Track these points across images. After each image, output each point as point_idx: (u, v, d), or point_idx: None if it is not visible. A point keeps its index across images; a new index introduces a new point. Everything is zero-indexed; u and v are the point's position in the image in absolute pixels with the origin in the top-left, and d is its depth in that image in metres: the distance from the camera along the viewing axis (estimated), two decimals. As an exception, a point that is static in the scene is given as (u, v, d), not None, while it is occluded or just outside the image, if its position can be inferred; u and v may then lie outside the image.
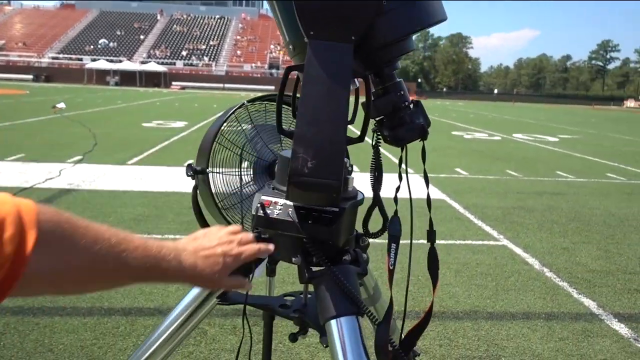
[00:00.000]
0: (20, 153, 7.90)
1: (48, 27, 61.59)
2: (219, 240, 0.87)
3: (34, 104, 18.82)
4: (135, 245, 0.71)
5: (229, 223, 1.43)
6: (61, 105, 16.65)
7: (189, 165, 1.40)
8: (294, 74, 0.94)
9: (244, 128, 1.45)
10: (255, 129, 1.46)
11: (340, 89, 0.85)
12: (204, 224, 1.46)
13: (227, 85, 52.56)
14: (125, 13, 67.47)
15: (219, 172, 1.42)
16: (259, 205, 0.99)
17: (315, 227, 0.96)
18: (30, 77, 49.99)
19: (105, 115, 15.93)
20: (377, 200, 1.11)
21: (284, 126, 0.98)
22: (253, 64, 57.22)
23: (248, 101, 1.46)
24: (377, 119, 1.09)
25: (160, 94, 35.06)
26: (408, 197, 1.05)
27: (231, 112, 1.45)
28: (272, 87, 52.07)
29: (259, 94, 1.50)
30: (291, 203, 0.97)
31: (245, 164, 1.44)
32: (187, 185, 6.26)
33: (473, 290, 3.44)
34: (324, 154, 0.85)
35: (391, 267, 1.04)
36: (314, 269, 1.06)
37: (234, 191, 1.44)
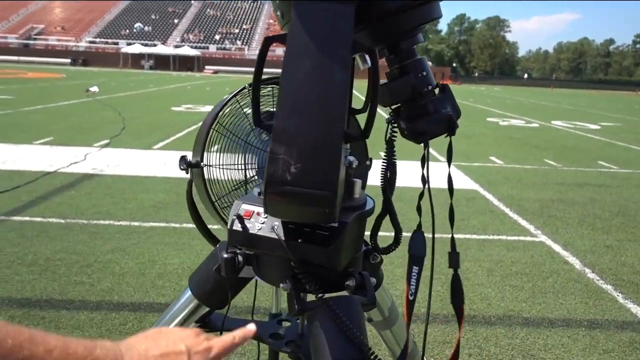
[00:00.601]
0: (49, 136, 7.91)
1: (86, 12, 62.56)
2: (180, 337, 0.64)
3: (68, 88, 19.08)
4: (48, 348, 0.51)
5: (226, 224, 1.23)
6: (94, 88, 16.80)
7: (183, 158, 1.20)
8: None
9: (247, 114, 1.24)
10: (262, 115, 1.25)
11: (336, 64, 0.63)
12: (200, 222, 1.26)
13: (259, 70, 52.41)
14: (159, -3, 67.93)
15: (217, 166, 1.22)
16: (235, 217, 0.78)
17: (307, 247, 0.74)
18: (68, 61, 50.98)
19: (137, 99, 15.99)
20: (388, 208, 0.89)
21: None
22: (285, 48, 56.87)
23: (250, 84, 1.24)
24: (392, 107, 0.86)
25: (193, 78, 35.22)
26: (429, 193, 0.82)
27: (231, 96, 1.25)
28: (304, 72, 51.66)
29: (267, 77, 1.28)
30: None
31: (249, 157, 1.24)
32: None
33: (507, 291, 3.17)
34: (312, 155, 0.63)
35: (411, 298, 0.82)
36: (309, 297, 0.85)
37: (235, 188, 1.23)
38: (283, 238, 0.74)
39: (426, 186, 0.85)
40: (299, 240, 0.74)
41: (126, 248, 3.57)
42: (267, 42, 0.68)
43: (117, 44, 55.71)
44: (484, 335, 2.63)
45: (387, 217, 0.93)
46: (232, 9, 65.97)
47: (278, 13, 0.78)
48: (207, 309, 0.94)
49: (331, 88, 0.63)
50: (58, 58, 51.27)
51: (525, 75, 74.31)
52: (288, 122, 0.63)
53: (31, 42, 54.86)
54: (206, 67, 52.52)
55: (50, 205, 4.48)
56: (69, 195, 4.81)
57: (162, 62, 52.62)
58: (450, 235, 0.85)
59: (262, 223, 0.77)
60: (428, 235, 0.86)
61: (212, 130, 1.24)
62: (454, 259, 0.85)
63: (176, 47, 55.22)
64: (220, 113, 1.25)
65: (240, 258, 0.80)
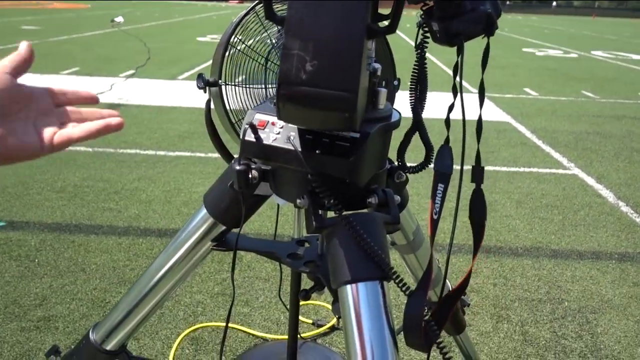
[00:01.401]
0: (75, 67, 7.89)
1: (108, -61, 60.87)
2: None
3: (94, 18, 18.88)
4: None
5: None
6: (119, 19, 16.58)
7: (200, 76, 1.13)
8: None
9: (267, 28, 1.16)
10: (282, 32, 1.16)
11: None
12: (221, 145, 1.21)
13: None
14: None
15: (236, 84, 1.16)
16: (247, 126, 0.72)
17: (326, 159, 0.68)
18: (93, -9, 50.24)
19: (162, 29, 15.75)
20: (418, 123, 0.81)
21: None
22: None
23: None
24: (423, 7, 0.77)
25: (219, 8, 34.42)
26: (461, 118, 0.74)
27: (249, 9, 1.16)
28: None
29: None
30: (293, 125, 0.69)
31: (270, 76, 1.16)
32: (236, 101, 6.05)
33: (536, 223, 3.10)
34: (330, 50, 0.55)
35: (435, 217, 0.76)
36: (329, 214, 0.80)
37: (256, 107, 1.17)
38: (299, 149, 0.68)
39: (457, 97, 0.77)
40: (317, 152, 0.68)
41: (152, 176, 3.59)
42: None
43: (141, -28, 54.45)
44: (510, 266, 2.59)
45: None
46: None
47: None
48: (223, 227, 0.90)
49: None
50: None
51: (554, 4, 70.03)
52: (303, 13, 0.55)
53: (55, -29, 54.05)
54: (232, -4, 51.14)
55: (78, 134, 4.50)
56: (96, 125, 4.82)
57: (187, -8, 51.41)
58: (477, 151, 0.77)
59: (277, 133, 0.71)
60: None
61: (229, 45, 1.16)
62: (477, 173, 0.78)
63: (201, -25, 53.68)
64: (239, 27, 1.17)
65: (255, 173, 0.75)
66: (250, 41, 1.16)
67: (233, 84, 1.17)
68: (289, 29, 0.56)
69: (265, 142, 0.71)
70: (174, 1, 45.81)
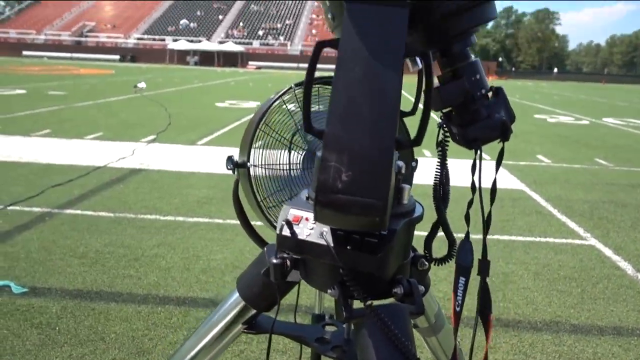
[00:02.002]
0: (99, 132, 8.18)
1: (134, 9, 64.28)
2: None
3: (118, 84, 19.67)
4: None
5: (271, 224, 1.24)
6: (142, 85, 17.26)
7: (229, 158, 1.21)
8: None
9: (292, 114, 1.25)
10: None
11: (388, 71, 0.61)
12: (246, 223, 1.27)
13: (301, 65, 52.64)
14: (205, -6, 69.07)
15: (262, 166, 1.23)
16: (284, 222, 0.78)
17: (356, 255, 0.73)
18: (117, 57, 52.55)
19: (182, 94, 16.34)
20: (442, 221, 0.87)
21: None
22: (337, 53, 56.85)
23: (296, 84, 1.25)
24: (444, 111, 0.84)
25: (236, 74, 35.67)
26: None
27: (277, 97, 1.25)
28: (346, 67, 51.59)
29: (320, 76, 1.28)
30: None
31: (294, 157, 1.24)
32: (253, 167, 6.19)
33: (554, 296, 3.07)
34: (363, 162, 0.62)
35: (457, 309, 0.80)
36: (356, 303, 0.84)
37: (280, 188, 1.24)
38: (332, 245, 0.74)
39: (476, 194, 0.83)
40: (348, 247, 0.73)
41: (172, 243, 3.65)
42: (319, 47, 0.67)
43: (163, 40, 57.02)
44: (530, 342, 2.56)
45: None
46: (275, 5, 66.39)
47: (329, 15, 0.78)
48: (254, 311, 0.94)
49: (383, 95, 0.62)
50: (108, 54, 52.94)
51: (555, 70, 71.33)
52: (340, 129, 0.63)
53: (83, 39, 56.83)
54: (249, 62, 53.11)
55: (100, 199, 4.63)
56: (118, 190, 4.96)
57: (206, 58, 53.54)
58: (484, 237, 0.82)
59: (311, 229, 0.77)
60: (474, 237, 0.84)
61: (258, 130, 1.25)
62: (484, 266, 0.82)
63: (220, 43, 56.06)
64: (267, 113, 1.26)
65: (288, 263, 0.80)
66: (277, 124, 1.25)
67: (260, 165, 1.25)
68: (327, 143, 0.63)
69: (299, 237, 0.77)
70: (194, 67, 47.56)
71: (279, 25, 61.00)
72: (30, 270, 3.09)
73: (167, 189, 5.07)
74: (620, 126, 13.11)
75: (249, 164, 1.23)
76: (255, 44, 57.34)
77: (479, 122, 0.78)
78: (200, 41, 56.01)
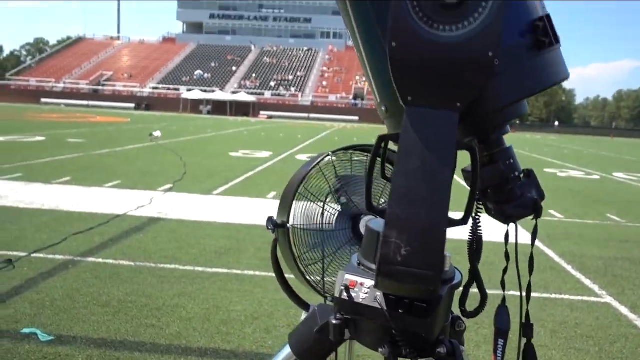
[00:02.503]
0: (117, 180, 8.37)
1: (151, 60, 66.37)
2: None
3: (134, 132, 20.13)
4: None
5: (308, 282, 1.34)
6: (157, 133, 17.66)
7: (270, 219, 1.33)
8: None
9: (327, 178, 1.36)
10: (340, 180, 1.37)
11: (442, 164, 0.73)
12: (283, 281, 1.36)
13: (311, 115, 53.62)
14: (220, 46, 71.30)
15: (300, 227, 1.34)
16: (342, 287, 0.88)
17: (406, 317, 0.83)
18: (132, 105, 53.88)
19: (196, 143, 16.68)
20: (475, 276, 0.96)
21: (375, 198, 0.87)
22: (338, 95, 58.05)
23: (333, 152, 1.37)
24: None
25: (248, 123, 36.37)
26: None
27: (314, 164, 1.37)
28: (357, 118, 52.49)
29: (345, 145, 1.40)
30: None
31: (327, 217, 1.35)
32: (268, 218, 6.29)
33: (572, 355, 3.09)
34: (420, 240, 0.73)
35: (497, 369, 0.89)
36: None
37: (315, 246, 1.34)
38: (385, 308, 0.83)
39: (509, 262, 0.93)
40: (400, 311, 0.83)
41: (191, 293, 3.72)
42: (381, 141, 0.79)
43: (178, 89, 58.52)
44: (550, 400, 2.57)
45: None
46: (287, 57, 68.31)
47: (382, 108, 0.90)
48: (304, 366, 1.03)
49: (437, 184, 0.73)
50: (124, 103, 54.31)
51: (557, 123, 71.97)
52: (400, 211, 0.73)
53: (100, 87, 58.48)
54: (261, 112, 54.15)
55: (121, 247, 4.73)
56: (138, 239, 5.07)
57: (219, 107, 54.73)
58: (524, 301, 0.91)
59: (366, 293, 0.87)
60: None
61: (297, 193, 1.36)
62: (528, 327, 0.91)
63: (233, 93, 57.42)
64: (305, 178, 1.38)
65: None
66: (314, 189, 1.37)
67: (297, 225, 1.35)
68: (388, 222, 0.74)
69: (356, 300, 0.86)
70: (207, 116, 48.53)
71: (290, 77, 62.54)
72: (56, 318, 3.17)
73: (186, 238, 5.17)
74: (631, 181, 13.16)
75: (288, 224, 1.35)
76: (267, 94, 58.67)
77: (514, 201, 0.89)
78: (213, 91, 57.41)
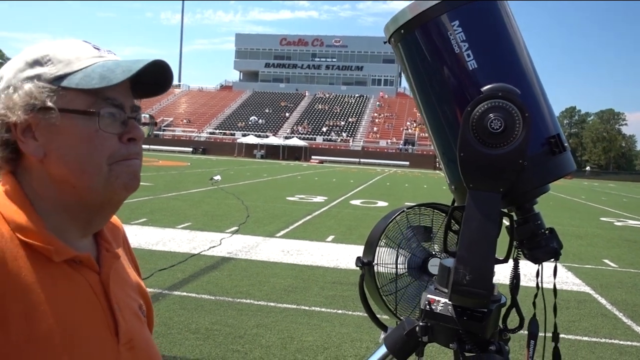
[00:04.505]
0: (188, 222, 9.09)
1: (208, 106, 69.60)
2: None
3: (195, 176, 21.26)
4: None
5: (388, 308, 1.80)
6: (217, 177, 18.65)
7: (358, 258, 1.82)
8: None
9: (401, 228, 1.84)
10: (412, 230, 1.85)
11: (491, 227, 1.21)
12: (367, 306, 1.83)
13: (362, 160, 54.31)
14: (274, 93, 74.06)
15: (380, 264, 1.82)
16: (426, 302, 1.35)
17: (469, 322, 1.29)
18: (190, 149, 56.37)
19: (254, 188, 17.49)
20: (514, 303, 1.41)
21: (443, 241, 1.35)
22: (389, 140, 58.72)
23: (407, 208, 1.86)
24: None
25: (301, 168, 37.32)
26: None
27: (394, 217, 1.85)
28: (407, 163, 52.74)
29: (415, 204, 1.87)
30: (451, 302, 1.32)
31: (400, 259, 1.82)
32: (329, 261, 6.76)
33: (618, 393, 3.35)
34: (478, 271, 1.20)
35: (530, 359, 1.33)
36: (467, 354, 1.38)
37: (391, 281, 1.81)
38: (455, 316, 1.30)
39: (539, 290, 1.37)
40: (464, 318, 1.29)
41: (267, 324, 4.21)
42: (452, 210, 1.28)
43: (233, 134, 60.89)
44: None
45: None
46: (339, 103, 69.98)
47: (452, 187, 1.39)
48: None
49: (488, 239, 1.20)
50: (182, 147, 56.93)
51: (587, 168, 69.46)
52: (466, 253, 1.21)
53: (161, 132, 61.62)
54: (312, 156, 55.38)
55: (200, 283, 5.31)
56: (214, 276, 5.64)
57: (272, 151, 56.43)
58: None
59: (442, 306, 1.33)
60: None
61: (380, 239, 1.85)
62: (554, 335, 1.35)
63: (286, 138, 59.14)
64: (386, 229, 1.86)
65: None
66: (392, 234, 1.85)
67: (379, 264, 1.83)
68: (458, 259, 1.22)
69: (434, 310, 1.33)
70: (260, 160, 50.00)
71: (342, 122, 63.89)
72: (157, 342, 3.71)
73: (256, 276, 5.71)
74: (693, 232, 12.83)
75: (373, 263, 1.83)
76: (319, 139, 60.04)
77: (540, 249, 1.35)
78: (267, 136, 59.36)
